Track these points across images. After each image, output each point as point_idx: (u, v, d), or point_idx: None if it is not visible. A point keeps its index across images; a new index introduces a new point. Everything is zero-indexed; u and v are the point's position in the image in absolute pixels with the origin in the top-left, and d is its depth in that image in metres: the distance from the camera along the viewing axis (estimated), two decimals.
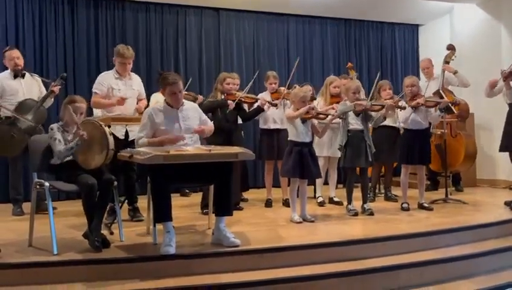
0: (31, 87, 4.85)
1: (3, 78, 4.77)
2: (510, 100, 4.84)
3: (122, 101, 4.15)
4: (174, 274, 2.94)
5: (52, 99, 4.93)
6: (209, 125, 3.77)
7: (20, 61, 4.82)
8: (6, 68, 4.86)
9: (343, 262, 3.22)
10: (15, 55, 4.79)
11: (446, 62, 5.81)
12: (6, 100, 4.67)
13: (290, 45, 7.29)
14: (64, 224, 4.07)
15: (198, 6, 6.79)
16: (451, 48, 5.85)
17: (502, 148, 4.84)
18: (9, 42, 5.85)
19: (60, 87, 4.82)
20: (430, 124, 5.54)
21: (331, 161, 5.13)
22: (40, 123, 4.71)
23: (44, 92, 4.87)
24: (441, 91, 5.31)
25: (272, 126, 5.11)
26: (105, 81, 4.26)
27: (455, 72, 5.82)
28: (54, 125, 3.43)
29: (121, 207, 3.69)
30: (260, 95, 5.25)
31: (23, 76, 4.82)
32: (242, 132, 5.19)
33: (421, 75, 6.40)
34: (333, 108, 4.71)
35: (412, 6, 7.18)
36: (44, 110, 4.82)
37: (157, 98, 5.07)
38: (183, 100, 3.61)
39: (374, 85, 5.00)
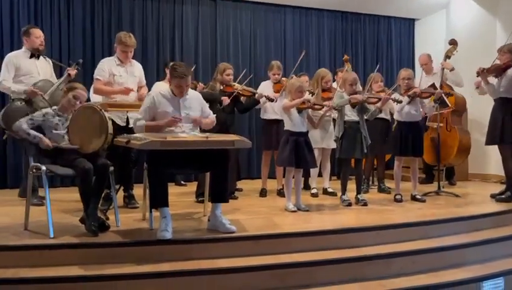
0: (45, 69, 4.65)
1: (19, 56, 4.50)
2: (482, 94, 4.90)
3: (127, 91, 4.11)
4: (170, 259, 2.96)
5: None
6: (211, 117, 3.75)
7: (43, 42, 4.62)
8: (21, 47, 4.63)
9: (337, 250, 3.25)
10: (41, 34, 4.59)
11: (447, 56, 5.68)
12: (20, 80, 4.43)
13: (287, 36, 7.31)
14: (59, 210, 4.06)
15: None
16: (453, 42, 5.67)
17: (488, 142, 4.88)
18: (4, 34, 5.79)
19: (76, 72, 4.61)
20: (425, 118, 5.57)
21: (325, 153, 5.15)
22: (54, 106, 4.62)
23: (54, 76, 4.71)
24: (436, 85, 5.32)
25: (272, 117, 5.12)
26: (107, 67, 4.19)
27: (452, 69, 5.80)
28: (46, 110, 3.45)
29: (116, 193, 3.69)
30: (263, 84, 5.26)
31: (38, 57, 4.59)
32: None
33: (417, 69, 6.40)
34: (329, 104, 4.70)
35: (408, 0, 7.20)
36: (60, 93, 4.71)
37: (160, 88, 5.04)
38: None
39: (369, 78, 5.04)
